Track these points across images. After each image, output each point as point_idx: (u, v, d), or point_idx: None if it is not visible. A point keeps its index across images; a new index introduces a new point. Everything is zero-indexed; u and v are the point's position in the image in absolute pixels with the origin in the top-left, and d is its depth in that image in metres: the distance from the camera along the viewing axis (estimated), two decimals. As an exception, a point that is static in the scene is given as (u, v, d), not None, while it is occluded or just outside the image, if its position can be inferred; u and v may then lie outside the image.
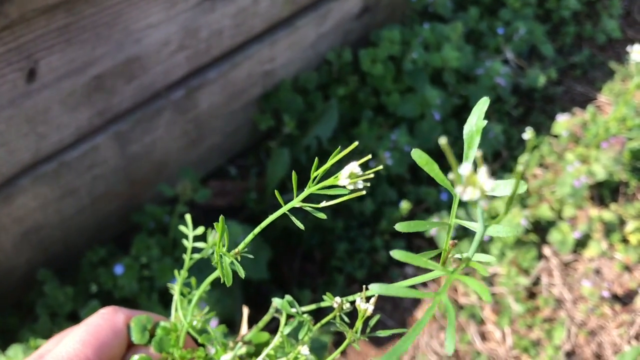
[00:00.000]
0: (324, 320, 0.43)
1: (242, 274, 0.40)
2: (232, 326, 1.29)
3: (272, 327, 0.46)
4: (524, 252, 1.46)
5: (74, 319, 1.22)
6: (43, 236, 1.23)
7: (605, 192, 1.56)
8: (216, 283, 1.30)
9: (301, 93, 1.57)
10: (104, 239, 1.39)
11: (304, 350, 0.42)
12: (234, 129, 1.51)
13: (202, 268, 1.23)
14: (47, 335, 1.16)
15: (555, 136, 1.68)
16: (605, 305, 1.42)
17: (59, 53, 0.99)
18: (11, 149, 1.04)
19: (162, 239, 1.29)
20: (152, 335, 0.47)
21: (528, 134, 1.37)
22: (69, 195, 1.22)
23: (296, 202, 0.39)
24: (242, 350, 0.47)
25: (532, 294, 1.46)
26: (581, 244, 1.50)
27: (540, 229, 1.54)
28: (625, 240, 1.52)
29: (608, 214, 1.49)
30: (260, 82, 1.48)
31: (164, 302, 1.26)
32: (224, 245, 0.41)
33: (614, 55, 1.93)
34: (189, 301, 0.49)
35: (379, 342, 1.38)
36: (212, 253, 0.48)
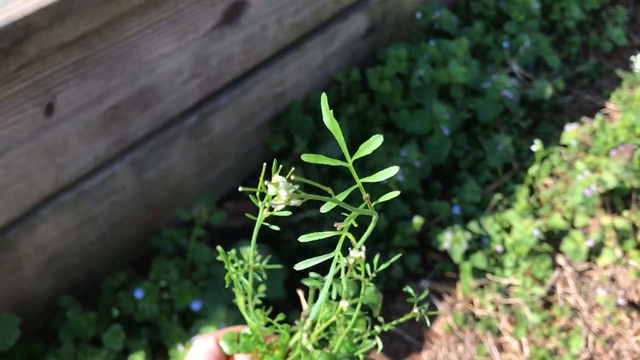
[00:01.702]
0: (348, 274, 0.47)
1: (248, 289, 0.47)
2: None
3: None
4: (538, 262, 1.47)
5: (97, 343, 1.25)
6: (64, 263, 1.26)
7: (617, 199, 1.56)
8: (234, 304, 1.32)
9: (311, 113, 1.60)
10: (124, 264, 1.42)
11: (343, 303, 0.48)
12: (247, 152, 1.54)
13: (220, 290, 1.25)
14: (72, 360, 1.19)
15: (565, 146, 1.69)
16: (622, 313, 1.42)
17: (75, 87, 1.03)
18: (32, 180, 1.08)
19: (181, 261, 1.32)
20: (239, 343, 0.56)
21: (536, 145, 1.38)
22: (89, 223, 1.26)
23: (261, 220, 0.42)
24: (307, 323, 0.53)
25: (547, 304, 1.46)
26: (595, 252, 1.51)
27: (554, 238, 1.55)
28: (639, 247, 1.52)
29: (620, 222, 1.50)
30: (271, 105, 1.51)
31: (184, 324, 1.29)
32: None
33: (621, 63, 1.95)
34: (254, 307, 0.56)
35: (396, 356, 1.39)
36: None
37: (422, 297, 0.52)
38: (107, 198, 1.25)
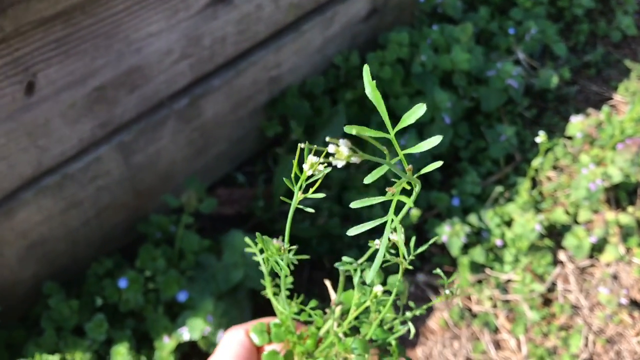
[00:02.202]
0: (378, 261, 0.45)
1: (286, 270, 0.47)
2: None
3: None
4: (538, 258, 1.42)
5: (80, 333, 1.21)
6: (48, 249, 1.22)
7: (622, 194, 1.51)
8: (222, 295, 1.27)
9: (308, 98, 1.55)
10: (111, 250, 1.37)
11: (378, 288, 0.47)
12: (241, 137, 1.49)
13: (208, 280, 1.21)
14: (53, 350, 1.15)
15: (570, 137, 1.63)
16: (623, 312, 1.38)
17: (58, 65, 0.98)
18: (12, 162, 1.03)
19: (168, 249, 1.27)
20: (269, 334, 0.57)
21: (541, 137, 1.33)
22: (74, 208, 1.21)
23: (295, 203, 0.42)
24: (338, 311, 0.54)
25: (547, 301, 1.42)
26: (597, 248, 1.46)
27: (555, 233, 1.50)
28: (643, 244, 1.47)
29: (625, 217, 1.45)
30: (267, 89, 1.45)
31: (171, 315, 1.24)
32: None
33: (630, 53, 1.89)
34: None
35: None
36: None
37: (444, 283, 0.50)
38: (93, 182, 1.20)
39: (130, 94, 1.15)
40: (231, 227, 1.50)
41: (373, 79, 1.49)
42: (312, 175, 0.40)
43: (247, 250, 0.55)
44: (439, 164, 0.37)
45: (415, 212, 1.39)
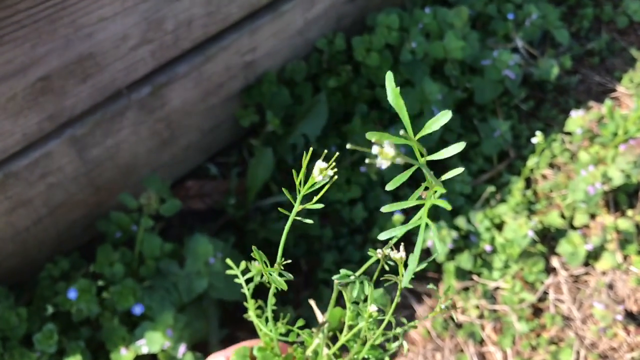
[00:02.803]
0: (374, 276, 0.47)
1: (284, 286, 0.45)
2: (204, 349, 1.18)
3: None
4: (530, 265, 1.32)
5: (29, 343, 1.11)
6: (-7, 251, 1.11)
7: (621, 196, 1.41)
8: (185, 306, 1.15)
9: (288, 85, 1.42)
10: (70, 248, 1.27)
11: (373, 308, 0.46)
12: (213, 126, 1.37)
13: (170, 290, 1.11)
14: (-4, 364, 1.05)
15: (569, 133, 1.52)
16: (618, 325, 1.29)
17: (-10, 54, 0.85)
18: (-58, 162, 0.91)
19: (128, 253, 1.16)
20: (254, 359, 0.54)
21: (537, 137, 1.22)
22: (21, 207, 1.09)
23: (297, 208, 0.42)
24: (326, 328, 0.51)
25: (537, 311, 1.33)
26: (593, 255, 1.36)
27: (549, 237, 1.40)
28: (642, 252, 1.38)
29: (624, 223, 1.35)
30: (241, 75, 1.33)
31: (129, 324, 1.14)
32: None
33: (636, 41, 1.76)
34: (266, 319, 0.53)
35: None
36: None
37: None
38: (42, 179, 1.09)
39: (82, 84, 1.02)
40: (201, 222, 1.39)
41: (359, 65, 1.36)
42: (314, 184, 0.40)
43: (229, 272, 0.54)
44: (460, 170, 0.37)
45: (398, 217, 1.28)
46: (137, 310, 1.06)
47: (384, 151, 0.32)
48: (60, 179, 1.12)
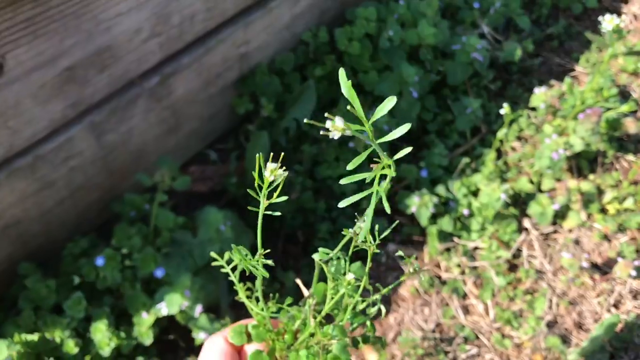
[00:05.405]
0: (351, 250, 0.52)
1: (265, 274, 0.51)
2: (216, 311, 1.30)
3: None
4: (504, 226, 1.47)
5: (58, 311, 1.22)
6: (22, 230, 1.22)
7: (583, 162, 1.57)
8: (199, 270, 1.29)
9: (278, 75, 1.56)
10: (86, 230, 1.38)
11: (350, 276, 0.51)
12: (212, 114, 1.50)
13: (185, 257, 1.23)
14: (31, 329, 1.16)
15: (533, 109, 1.68)
16: (585, 275, 1.45)
17: (26, 46, 0.98)
18: (-17, 145, 1.03)
19: (144, 227, 1.28)
20: (249, 335, 0.59)
21: (505, 109, 1.37)
22: (47, 188, 1.21)
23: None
24: (312, 302, 0.56)
25: (513, 267, 1.48)
26: (560, 215, 1.52)
27: (520, 202, 1.55)
28: (603, 210, 1.54)
29: (586, 185, 1.51)
30: (237, 66, 1.46)
31: (148, 291, 1.26)
32: None
33: (591, 25, 1.94)
34: (257, 299, 0.58)
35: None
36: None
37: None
38: (66, 163, 1.21)
39: (100, 74, 1.15)
40: (205, 204, 1.51)
41: (342, 54, 1.51)
42: (273, 181, 0.45)
43: (214, 264, 0.58)
44: (409, 149, 0.42)
45: (385, 185, 1.42)
46: (159, 273, 1.18)
47: (335, 124, 0.38)
48: (80, 162, 1.24)
